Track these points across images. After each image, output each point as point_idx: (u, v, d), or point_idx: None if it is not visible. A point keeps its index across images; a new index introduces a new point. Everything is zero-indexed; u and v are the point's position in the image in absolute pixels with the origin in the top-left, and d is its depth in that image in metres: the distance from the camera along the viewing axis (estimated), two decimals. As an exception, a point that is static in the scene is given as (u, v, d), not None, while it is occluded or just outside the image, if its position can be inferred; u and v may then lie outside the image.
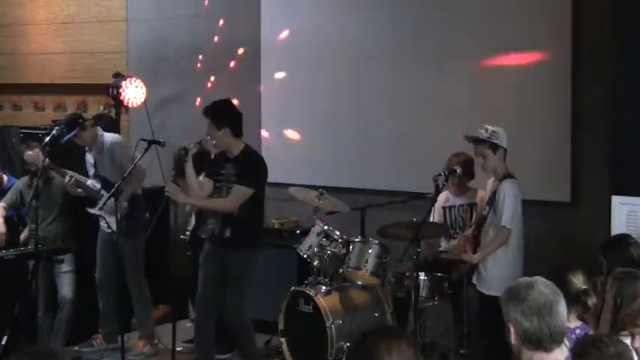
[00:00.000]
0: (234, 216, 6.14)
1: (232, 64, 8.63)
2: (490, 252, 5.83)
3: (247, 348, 6.38)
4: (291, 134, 8.26)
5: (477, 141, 5.90)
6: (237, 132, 6.20)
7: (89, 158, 7.21)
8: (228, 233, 6.16)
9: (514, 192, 5.81)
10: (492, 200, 5.86)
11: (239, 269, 6.19)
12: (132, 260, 7.05)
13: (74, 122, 7.04)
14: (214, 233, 6.24)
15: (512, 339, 2.91)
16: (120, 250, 6.85)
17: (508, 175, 5.89)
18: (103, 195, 6.94)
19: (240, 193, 6.09)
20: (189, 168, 6.14)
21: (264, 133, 8.35)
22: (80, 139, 7.06)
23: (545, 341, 2.88)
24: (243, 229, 6.14)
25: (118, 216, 6.58)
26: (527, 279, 3.00)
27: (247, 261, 6.21)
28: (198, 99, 8.65)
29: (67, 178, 7.03)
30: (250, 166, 6.18)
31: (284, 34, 8.24)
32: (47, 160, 6.97)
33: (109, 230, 6.97)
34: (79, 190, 7.13)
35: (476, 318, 6.14)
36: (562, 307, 2.92)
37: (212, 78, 8.72)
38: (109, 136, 7.21)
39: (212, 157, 6.60)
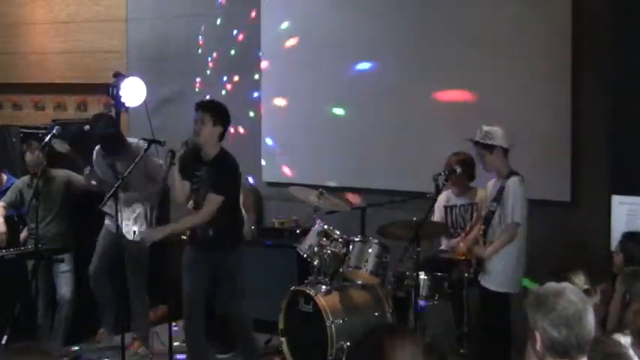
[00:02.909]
0: (215, 218, 6.09)
1: (232, 64, 8.63)
2: (500, 246, 5.87)
3: (247, 346, 6.38)
4: (292, 134, 8.25)
5: (473, 143, 5.98)
6: (223, 136, 6.21)
7: (101, 160, 7.13)
8: (211, 232, 6.14)
9: (522, 188, 5.88)
10: (500, 196, 5.88)
11: (233, 268, 6.18)
12: (138, 266, 7.06)
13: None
14: (197, 234, 6.23)
15: (537, 346, 2.86)
16: (126, 254, 6.90)
17: (514, 173, 5.92)
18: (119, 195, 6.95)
19: (212, 201, 6.06)
20: (175, 171, 6.12)
21: (264, 133, 8.34)
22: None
23: (572, 351, 2.82)
24: (225, 229, 6.14)
25: (119, 217, 6.59)
26: (555, 285, 2.93)
27: (238, 260, 6.22)
28: (198, 99, 8.65)
29: (87, 170, 7.00)
30: (222, 172, 6.14)
31: (284, 33, 8.24)
32: (70, 148, 6.99)
33: (121, 233, 6.92)
34: (94, 182, 7.10)
35: (476, 318, 6.14)
36: (590, 316, 2.86)
37: (212, 77, 8.72)
38: (139, 143, 6.99)
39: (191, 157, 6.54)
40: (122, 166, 6.94)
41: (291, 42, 8.20)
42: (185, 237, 7.32)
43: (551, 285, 2.93)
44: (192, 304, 6.25)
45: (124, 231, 6.92)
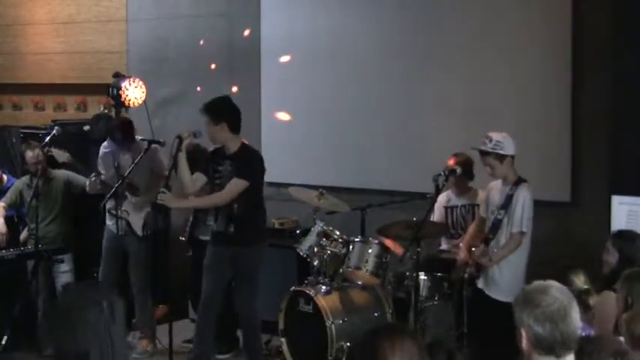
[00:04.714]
0: (236, 212, 6.11)
1: (232, 64, 8.63)
2: (505, 256, 5.80)
3: (254, 342, 6.37)
4: (292, 134, 8.24)
5: (482, 152, 5.87)
6: (235, 128, 6.18)
7: (107, 159, 7.15)
8: (232, 229, 6.13)
9: (530, 197, 5.81)
10: (507, 205, 5.82)
11: (252, 265, 6.18)
12: (140, 263, 7.08)
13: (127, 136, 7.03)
14: (218, 230, 6.22)
15: (523, 344, 2.88)
16: (128, 251, 6.91)
17: (522, 180, 5.86)
18: (126, 196, 6.94)
19: (235, 185, 6.06)
20: (182, 159, 6.07)
21: (264, 133, 8.34)
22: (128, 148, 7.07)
23: (557, 347, 2.84)
24: (246, 225, 6.12)
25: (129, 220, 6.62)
26: (541, 283, 2.95)
27: (258, 257, 6.21)
28: (198, 99, 8.64)
29: (91, 177, 7.01)
30: (248, 161, 6.17)
31: (284, 33, 8.24)
32: (69, 156, 6.99)
33: (122, 232, 6.93)
34: (99, 187, 7.11)
35: (476, 318, 6.11)
36: (575, 312, 2.88)
37: (212, 78, 8.72)
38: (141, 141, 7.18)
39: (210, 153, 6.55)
40: (126, 163, 6.99)
41: (292, 41, 8.19)
42: (183, 238, 7.34)
43: (538, 283, 2.95)
44: (209, 302, 6.25)
45: (134, 228, 6.94)
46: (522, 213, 5.77)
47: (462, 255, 6.12)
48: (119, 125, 7.15)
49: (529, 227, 5.83)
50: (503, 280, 5.80)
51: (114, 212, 6.85)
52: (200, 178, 6.23)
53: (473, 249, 5.94)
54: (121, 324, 2.22)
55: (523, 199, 5.78)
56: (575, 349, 2.90)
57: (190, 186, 6.20)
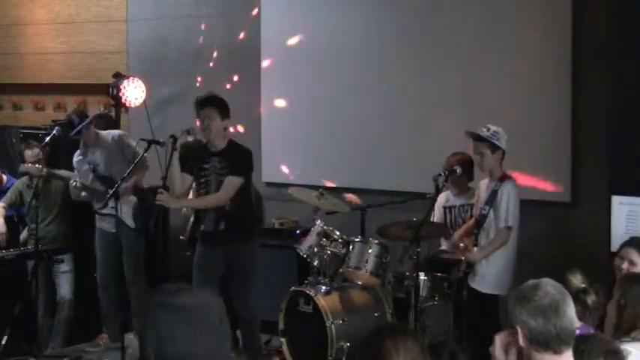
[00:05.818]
0: (227, 210, 6.12)
1: (232, 64, 8.63)
2: (492, 251, 5.88)
3: (254, 342, 6.37)
4: (292, 134, 8.25)
5: (477, 138, 5.95)
6: (228, 126, 6.29)
7: (81, 165, 7.17)
8: (222, 226, 6.13)
9: (515, 193, 5.88)
10: (492, 200, 5.87)
11: (245, 264, 6.18)
12: (131, 254, 7.08)
13: (85, 114, 7.09)
14: (206, 230, 6.22)
15: (521, 341, 2.89)
16: (122, 246, 6.90)
17: (507, 177, 5.92)
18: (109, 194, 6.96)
19: (232, 183, 6.08)
20: (175, 158, 6.08)
21: (264, 133, 8.34)
22: (86, 136, 7.04)
23: (553, 341, 2.85)
24: (236, 223, 6.13)
25: (119, 213, 6.61)
26: (534, 280, 2.98)
27: (251, 256, 6.21)
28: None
29: (72, 182, 7.03)
30: (240, 157, 6.20)
31: (285, 33, 8.24)
32: (45, 169, 6.99)
33: (114, 230, 6.94)
34: (83, 193, 7.11)
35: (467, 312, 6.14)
36: (569, 307, 2.89)
37: (212, 78, 8.72)
38: (114, 131, 7.30)
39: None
40: (100, 160, 7.04)
41: (292, 41, 8.19)
42: (183, 237, 7.34)
43: (532, 280, 2.98)
44: None
45: (125, 219, 6.94)
46: (508, 208, 5.84)
47: (455, 239, 6.20)
48: (66, 120, 7.17)
49: (515, 223, 5.88)
50: (490, 273, 5.90)
51: (104, 212, 6.84)
52: (187, 178, 6.25)
53: (461, 244, 6.03)
54: (227, 322, 2.24)
55: (508, 194, 5.85)
56: (573, 344, 2.92)
57: (180, 186, 6.23)
